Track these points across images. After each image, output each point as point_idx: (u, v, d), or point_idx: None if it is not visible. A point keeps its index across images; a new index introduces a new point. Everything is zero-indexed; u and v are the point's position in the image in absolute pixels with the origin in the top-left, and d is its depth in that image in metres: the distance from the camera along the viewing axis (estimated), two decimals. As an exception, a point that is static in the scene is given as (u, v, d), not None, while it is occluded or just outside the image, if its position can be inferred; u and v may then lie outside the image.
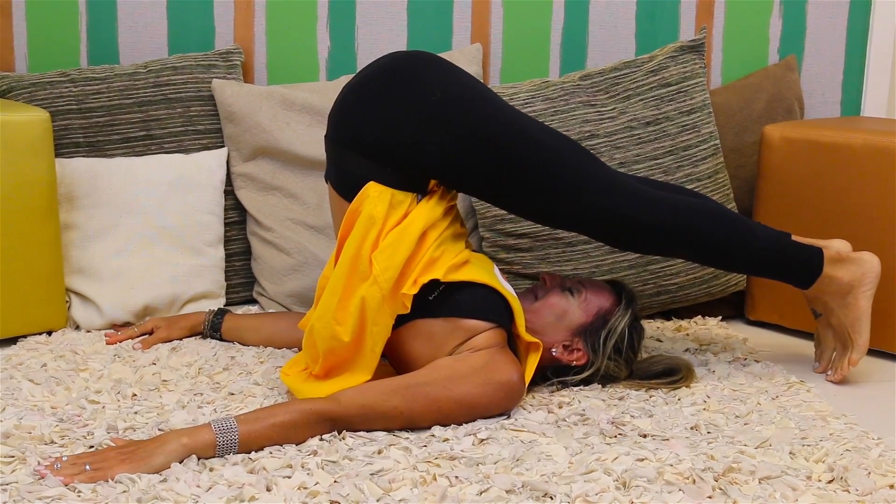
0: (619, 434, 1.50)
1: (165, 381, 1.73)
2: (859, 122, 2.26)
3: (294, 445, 1.42)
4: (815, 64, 2.44)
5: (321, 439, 1.44)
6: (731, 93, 2.34)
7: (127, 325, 2.03)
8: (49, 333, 1.99)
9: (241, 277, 2.24)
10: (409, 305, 1.57)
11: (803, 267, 1.76)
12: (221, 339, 1.96)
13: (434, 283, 1.59)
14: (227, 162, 2.21)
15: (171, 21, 2.29)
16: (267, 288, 2.19)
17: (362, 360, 1.59)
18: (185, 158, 2.17)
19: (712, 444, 1.46)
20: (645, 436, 1.49)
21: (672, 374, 1.74)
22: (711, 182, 2.15)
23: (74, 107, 2.14)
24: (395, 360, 1.67)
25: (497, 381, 1.53)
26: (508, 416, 1.56)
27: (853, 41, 2.44)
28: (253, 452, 1.39)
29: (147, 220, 2.10)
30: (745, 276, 2.18)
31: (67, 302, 2.04)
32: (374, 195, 1.58)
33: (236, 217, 2.24)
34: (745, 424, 1.57)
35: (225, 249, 2.20)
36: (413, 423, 1.49)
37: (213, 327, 1.96)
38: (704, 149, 2.16)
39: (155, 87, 2.18)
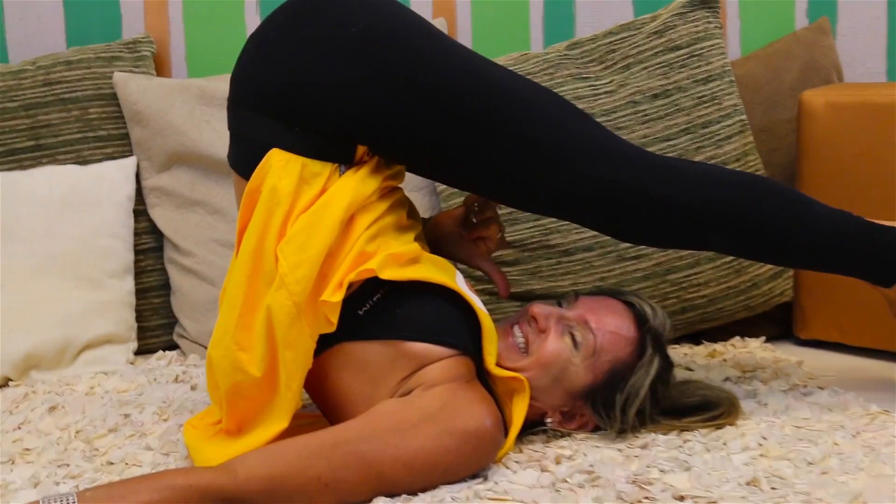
0: (646, 498, 1.10)
1: (28, 449, 1.35)
2: (916, 85, 1.87)
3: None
4: (852, 27, 2.07)
5: (208, 527, 1.01)
6: (756, 62, 1.96)
7: None
8: None
9: (160, 317, 1.84)
10: (334, 320, 1.14)
11: (885, 254, 1.32)
12: None
13: (366, 290, 1.17)
14: (137, 174, 1.83)
15: (67, 10, 1.97)
16: (188, 327, 1.78)
17: (277, 403, 1.17)
18: (81, 170, 1.80)
19: (782, 506, 1.05)
20: (682, 498, 1.10)
21: (710, 408, 1.32)
22: (741, 166, 1.75)
23: (-54, 115, 1.76)
24: (320, 401, 1.25)
25: (460, 430, 1.11)
26: (484, 479, 1.15)
27: (895, -2, 2.07)
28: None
29: (32, 247, 1.71)
30: (791, 286, 1.76)
31: (-71, 355, 1.63)
32: (279, 165, 1.17)
33: (151, 243, 1.85)
34: (824, 474, 1.17)
35: (139, 283, 1.81)
36: (344, 497, 1.07)
37: None
38: (728, 125, 1.75)
39: (45, 85, 1.83)
